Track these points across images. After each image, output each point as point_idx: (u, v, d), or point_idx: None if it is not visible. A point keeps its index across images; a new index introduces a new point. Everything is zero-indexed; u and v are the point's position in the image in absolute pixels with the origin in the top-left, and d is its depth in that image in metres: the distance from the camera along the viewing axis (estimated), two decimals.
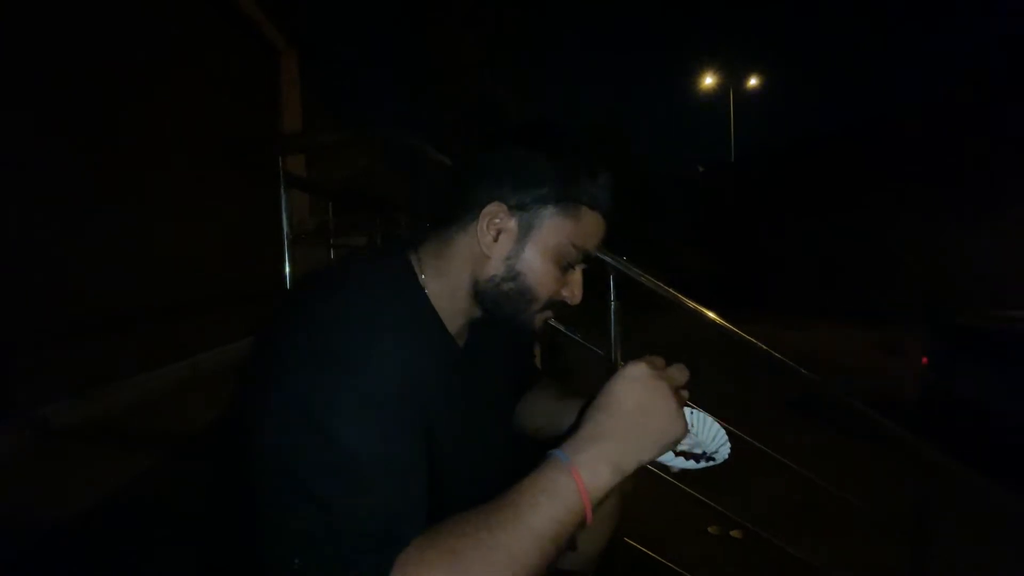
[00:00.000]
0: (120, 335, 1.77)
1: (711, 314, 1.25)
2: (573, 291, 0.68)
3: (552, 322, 1.57)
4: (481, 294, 0.65)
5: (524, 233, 0.64)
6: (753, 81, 18.07)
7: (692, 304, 1.23)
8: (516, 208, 0.64)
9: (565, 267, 0.66)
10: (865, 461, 2.57)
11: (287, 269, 1.22)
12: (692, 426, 0.65)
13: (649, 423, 0.53)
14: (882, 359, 5.71)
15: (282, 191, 1.16)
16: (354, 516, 0.47)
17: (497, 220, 0.63)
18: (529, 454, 0.84)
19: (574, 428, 0.55)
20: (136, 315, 1.85)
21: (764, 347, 1.20)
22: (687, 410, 0.63)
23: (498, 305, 0.65)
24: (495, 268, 0.64)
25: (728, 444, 0.63)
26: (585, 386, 0.81)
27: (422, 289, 0.64)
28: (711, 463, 0.61)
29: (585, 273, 0.71)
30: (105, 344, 1.70)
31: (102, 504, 1.02)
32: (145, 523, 1.01)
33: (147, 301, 1.92)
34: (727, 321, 1.26)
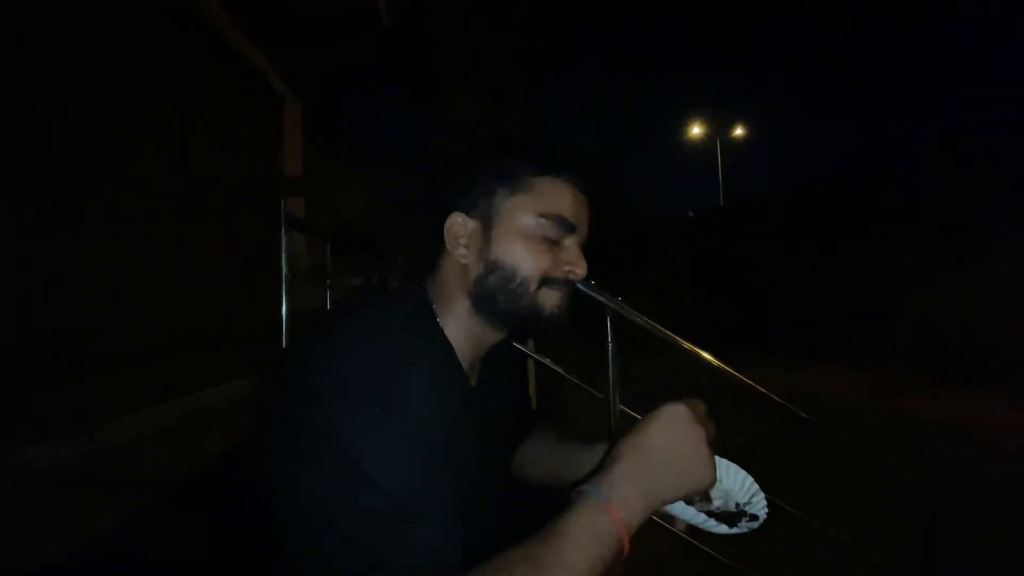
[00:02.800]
0: (107, 375, 1.74)
1: (707, 355, 1.26)
2: (573, 264, 0.66)
3: (548, 363, 1.58)
4: (476, 302, 0.65)
5: (487, 227, 0.64)
6: (739, 131, 18.74)
7: (688, 345, 1.23)
8: (470, 209, 0.65)
9: (550, 242, 0.65)
10: (866, 506, 2.51)
11: (284, 308, 1.23)
12: (719, 479, 0.64)
13: (681, 464, 0.53)
14: (879, 401, 5.67)
15: (283, 232, 1.18)
16: (394, 555, 0.46)
17: (460, 229, 0.65)
18: (525, 496, 0.83)
19: (604, 462, 0.55)
20: (124, 355, 1.82)
21: (762, 390, 1.20)
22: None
23: (494, 303, 0.64)
24: (476, 269, 0.64)
25: (761, 494, 0.62)
26: (581, 430, 0.81)
27: (439, 326, 0.65)
28: (754, 524, 0.59)
29: (583, 248, 0.68)
30: (92, 384, 1.67)
31: (87, 550, 0.98)
32: (132, 570, 0.97)
33: (136, 340, 1.90)
34: (722, 363, 1.26)
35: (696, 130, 18.97)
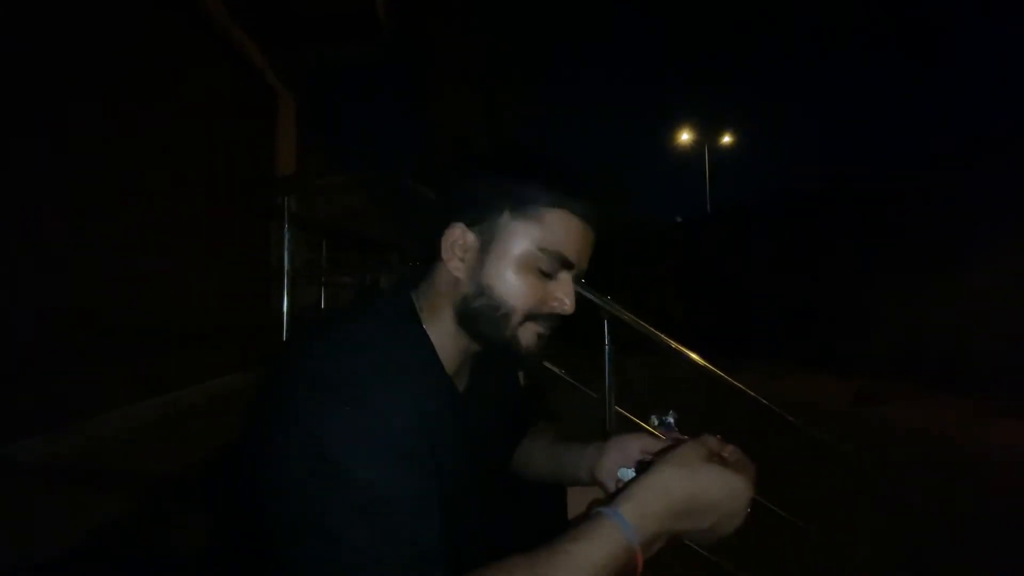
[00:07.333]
0: (95, 369, 1.72)
1: (695, 356, 1.28)
2: (562, 300, 0.64)
3: (544, 363, 1.59)
4: (461, 319, 0.64)
5: (485, 247, 0.62)
6: (727, 138, 18.96)
7: (678, 346, 1.26)
8: (473, 224, 0.63)
9: (544, 275, 0.63)
10: (851, 508, 2.56)
11: (286, 303, 1.23)
12: None
13: (704, 507, 0.53)
14: (861, 409, 5.77)
15: (285, 230, 1.18)
16: (379, 553, 0.46)
17: (459, 241, 0.63)
18: (525, 500, 0.84)
19: (626, 492, 0.54)
20: (112, 348, 1.80)
21: (751, 393, 1.23)
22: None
23: (476, 325, 0.64)
24: (465, 288, 0.63)
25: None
26: (577, 430, 0.82)
27: (423, 329, 0.64)
28: None
29: (577, 281, 0.66)
30: (79, 378, 1.65)
31: (74, 549, 0.97)
32: (121, 569, 0.96)
33: (124, 334, 1.88)
34: (709, 364, 1.28)
35: (685, 136, 19.16)
